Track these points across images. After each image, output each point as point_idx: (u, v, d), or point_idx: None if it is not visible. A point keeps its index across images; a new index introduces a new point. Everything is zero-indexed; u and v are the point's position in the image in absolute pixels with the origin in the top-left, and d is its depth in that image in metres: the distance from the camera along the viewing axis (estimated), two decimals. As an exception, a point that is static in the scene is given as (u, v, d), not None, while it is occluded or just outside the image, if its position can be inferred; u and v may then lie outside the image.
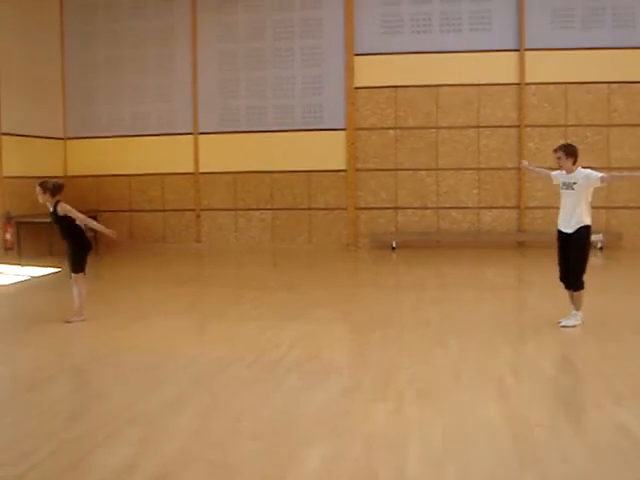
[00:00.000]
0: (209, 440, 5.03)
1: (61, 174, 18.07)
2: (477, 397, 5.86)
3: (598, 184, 8.28)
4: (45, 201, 8.89)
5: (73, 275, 8.99)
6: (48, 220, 15.53)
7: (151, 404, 5.83)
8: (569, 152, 8.38)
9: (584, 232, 8.32)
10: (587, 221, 8.31)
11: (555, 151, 8.44)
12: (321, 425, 5.30)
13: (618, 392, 5.90)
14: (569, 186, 8.37)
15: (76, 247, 9.00)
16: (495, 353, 7.27)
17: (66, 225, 8.94)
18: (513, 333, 8.32)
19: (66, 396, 6.22)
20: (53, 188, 8.84)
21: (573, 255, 8.34)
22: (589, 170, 8.38)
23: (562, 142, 9.07)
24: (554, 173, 8.71)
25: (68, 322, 8.91)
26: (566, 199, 8.45)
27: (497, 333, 8.17)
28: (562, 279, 8.56)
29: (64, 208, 8.81)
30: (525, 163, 10.18)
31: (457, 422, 5.27)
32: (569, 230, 8.37)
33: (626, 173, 13.19)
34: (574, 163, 8.40)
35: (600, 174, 8.30)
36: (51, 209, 8.93)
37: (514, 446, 4.76)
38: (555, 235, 8.55)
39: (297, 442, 4.95)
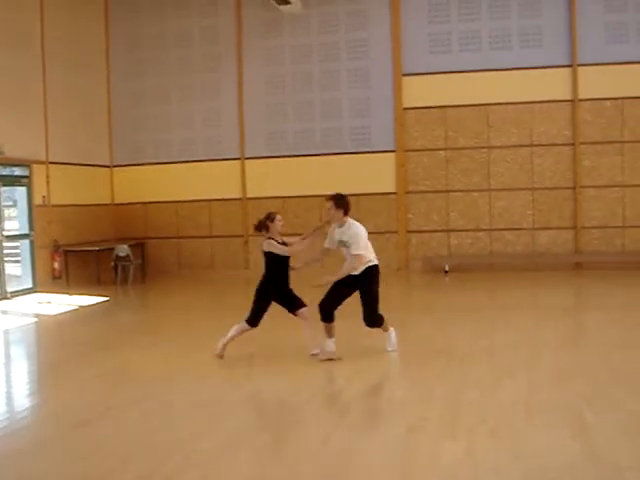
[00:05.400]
0: (268, 485, 4.68)
1: (108, 202, 18.04)
2: (555, 435, 5.37)
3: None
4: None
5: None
6: (95, 248, 15.83)
7: (208, 442, 5.48)
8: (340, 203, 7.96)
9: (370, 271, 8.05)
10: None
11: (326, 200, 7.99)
12: (387, 467, 4.90)
13: None
14: (343, 244, 8.07)
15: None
16: (567, 383, 6.81)
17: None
18: (583, 359, 7.83)
19: (118, 435, 5.83)
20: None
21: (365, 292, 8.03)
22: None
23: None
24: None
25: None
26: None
27: (565, 360, 7.71)
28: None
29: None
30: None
31: (537, 465, 4.81)
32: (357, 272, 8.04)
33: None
34: (345, 214, 8.03)
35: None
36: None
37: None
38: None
39: (363, 487, 4.58)
